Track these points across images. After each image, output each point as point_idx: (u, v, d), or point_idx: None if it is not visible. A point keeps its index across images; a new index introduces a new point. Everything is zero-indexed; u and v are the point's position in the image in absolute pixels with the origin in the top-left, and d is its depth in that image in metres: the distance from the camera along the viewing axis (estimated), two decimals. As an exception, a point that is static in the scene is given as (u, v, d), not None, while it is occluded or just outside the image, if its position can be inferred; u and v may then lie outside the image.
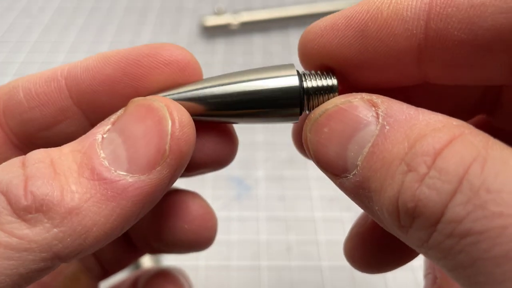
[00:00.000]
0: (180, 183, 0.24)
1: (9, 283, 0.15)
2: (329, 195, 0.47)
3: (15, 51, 0.64)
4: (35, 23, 0.69)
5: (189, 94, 0.19)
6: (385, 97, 0.16)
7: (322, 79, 0.19)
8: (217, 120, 0.20)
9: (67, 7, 0.73)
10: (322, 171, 0.18)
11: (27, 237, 0.15)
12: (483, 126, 0.20)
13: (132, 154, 0.17)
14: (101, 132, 0.17)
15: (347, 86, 0.20)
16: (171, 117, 0.17)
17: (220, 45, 0.66)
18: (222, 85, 0.19)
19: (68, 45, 0.66)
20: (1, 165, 0.17)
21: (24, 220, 0.15)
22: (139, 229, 0.26)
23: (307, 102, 0.19)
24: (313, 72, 0.20)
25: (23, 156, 0.17)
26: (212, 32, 0.67)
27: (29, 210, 0.15)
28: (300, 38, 0.20)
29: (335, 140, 0.17)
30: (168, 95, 0.19)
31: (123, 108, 0.18)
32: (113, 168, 0.16)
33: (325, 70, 0.20)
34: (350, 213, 0.45)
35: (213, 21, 0.66)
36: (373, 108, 0.16)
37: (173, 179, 0.18)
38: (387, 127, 0.15)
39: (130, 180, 0.16)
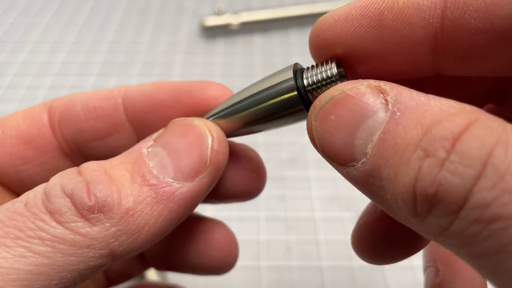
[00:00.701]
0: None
1: (69, 279, 0.16)
2: (329, 195, 0.46)
3: (15, 51, 0.64)
4: (35, 23, 0.69)
5: (216, 115, 0.22)
6: (393, 83, 0.16)
7: (323, 70, 0.19)
8: (244, 132, 0.22)
9: (67, 7, 0.73)
10: (327, 160, 0.17)
11: (89, 235, 0.17)
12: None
13: (177, 164, 0.19)
14: (145, 147, 0.20)
15: (356, 78, 0.20)
16: (211, 133, 0.20)
17: (220, 45, 0.66)
18: (235, 104, 0.21)
19: (68, 45, 0.66)
20: (59, 174, 0.19)
21: (87, 219, 0.17)
22: (157, 247, 0.27)
23: (312, 96, 0.19)
24: (314, 65, 0.19)
25: (77, 167, 0.19)
26: (212, 32, 0.67)
27: (92, 210, 0.17)
28: (312, 29, 0.19)
29: (343, 128, 0.16)
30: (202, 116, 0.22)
31: (163, 128, 0.21)
32: (161, 176, 0.19)
33: (326, 60, 0.19)
34: (350, 213, 0.45)
35: (213, 21, 0.66)
36: (381, 95, 0.16)
37: (210, 187, 0.20)
38: (398, 113, 0.15)
39: (176, 186, 0.19)
